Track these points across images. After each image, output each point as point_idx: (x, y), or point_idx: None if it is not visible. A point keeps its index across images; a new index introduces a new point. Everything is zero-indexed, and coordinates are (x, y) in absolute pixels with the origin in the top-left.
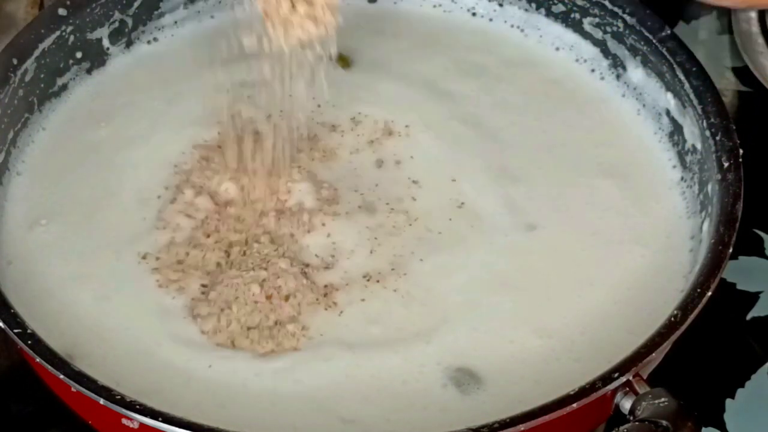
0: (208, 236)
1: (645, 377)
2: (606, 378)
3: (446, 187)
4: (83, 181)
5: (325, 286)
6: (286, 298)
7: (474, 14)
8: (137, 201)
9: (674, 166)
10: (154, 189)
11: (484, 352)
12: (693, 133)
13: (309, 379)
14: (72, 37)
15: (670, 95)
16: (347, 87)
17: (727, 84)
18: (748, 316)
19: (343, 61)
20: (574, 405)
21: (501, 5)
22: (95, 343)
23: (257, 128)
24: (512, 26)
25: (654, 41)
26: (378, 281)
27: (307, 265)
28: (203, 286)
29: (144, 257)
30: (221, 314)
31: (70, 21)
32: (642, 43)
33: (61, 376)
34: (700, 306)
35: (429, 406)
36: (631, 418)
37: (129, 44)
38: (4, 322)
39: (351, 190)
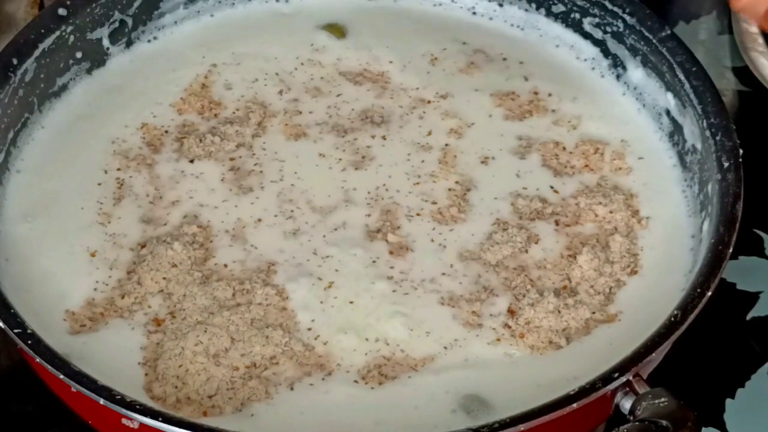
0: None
1: (645, 377)
2: (606, 378)
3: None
4: (67, 178)
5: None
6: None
7: (474, 13)
8: (97, 198)
9: (674, 166)
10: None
11: (491, 378)
12: (693, 133)
13: (312, 410)
14: (72, 37)
15: (670, 95)
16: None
17: (727, 84)
18: (748, 316)
19: (337, 30)
20: (574, 405)
21: (501, 5)
22: (78, 345)
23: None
24: (512, 25)
25: (654, 41)
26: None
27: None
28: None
29: (93, 254)
30: (178, 393)
31: (70, 21)
32: (642, 43)
33: (61, 376)
34: (700, 306)
35: (440, 425)
36: (631, 418)
37: (129, 44)
38: (4, 322)
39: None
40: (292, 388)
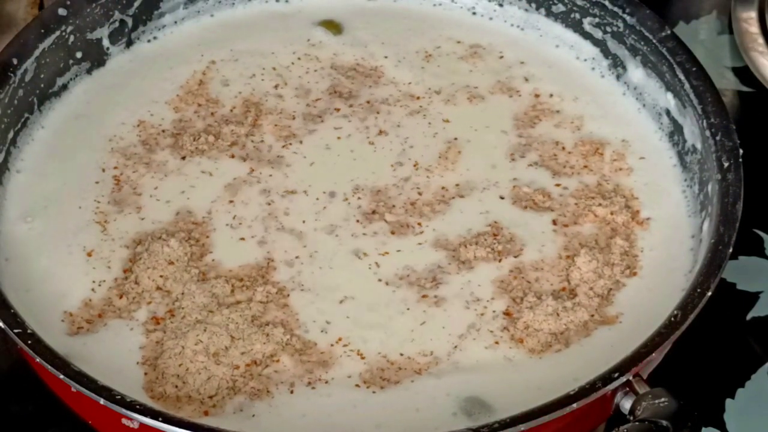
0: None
1: (645, 377)
2: (606, 378)
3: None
4: (66, 177)
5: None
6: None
7: (474, 13)
8: (94, 198)
9: (674, 166)
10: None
11: (492, 381)
12: (693, 133)
13: (314, 413)
14: (72, 37)
15: (670, 95)
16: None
17: (727, 84)
18: (748, 316)
19: (333, 26)
20: (574, 405)
21: (501, 5)
22: (78, 345)
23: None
24: (512, 25)
25: (654, 41)
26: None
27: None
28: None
29: (89, 254)
30: (179, 392)
31: (70, 21)
32: (642, 43)
33: (61, 376)
34: (700, 306)
35: (441, 427)
36: (631, 418)
37: (129, 44)
38: (4, 322)
39: None
40: (292, 390)
